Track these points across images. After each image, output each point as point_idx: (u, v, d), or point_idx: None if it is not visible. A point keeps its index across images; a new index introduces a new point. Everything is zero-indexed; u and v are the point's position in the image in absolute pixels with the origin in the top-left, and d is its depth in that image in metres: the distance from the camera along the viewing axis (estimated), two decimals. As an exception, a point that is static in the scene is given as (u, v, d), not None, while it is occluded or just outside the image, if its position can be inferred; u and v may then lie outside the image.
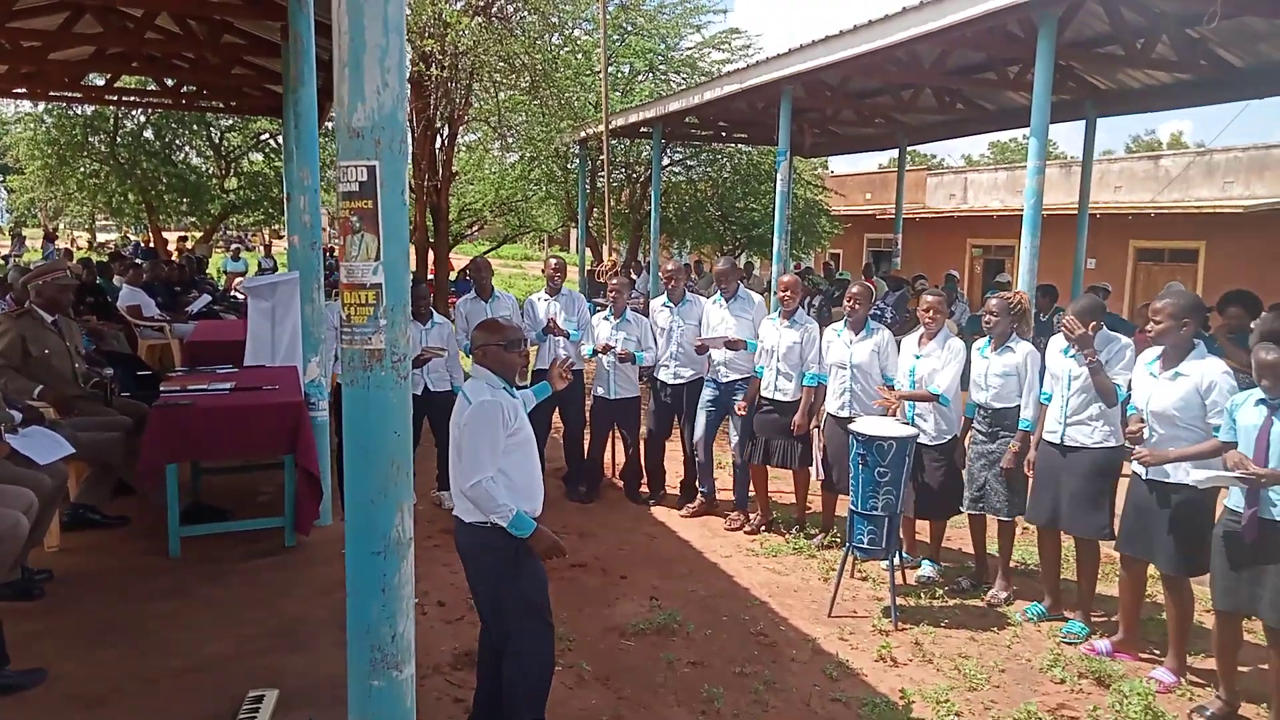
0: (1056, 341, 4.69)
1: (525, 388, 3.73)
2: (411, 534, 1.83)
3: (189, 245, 20.51)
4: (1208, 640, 4.23)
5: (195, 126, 19.19)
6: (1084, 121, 9.79)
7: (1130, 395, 4.27)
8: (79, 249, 28.64)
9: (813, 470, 5.76)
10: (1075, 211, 10.24)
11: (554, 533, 3.26)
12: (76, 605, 3.90)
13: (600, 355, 6.40)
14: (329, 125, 11.84)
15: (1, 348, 4.90)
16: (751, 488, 6.20)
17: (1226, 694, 3.82)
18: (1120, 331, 4.71)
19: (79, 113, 17.32)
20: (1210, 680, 4.00)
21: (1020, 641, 4.53)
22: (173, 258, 15.26)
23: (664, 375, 6.48)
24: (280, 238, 31.95)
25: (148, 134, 18.76)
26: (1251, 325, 5.94)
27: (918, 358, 5.18)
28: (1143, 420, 4.05)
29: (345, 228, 1.70)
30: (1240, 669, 3.95)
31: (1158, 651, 4.36)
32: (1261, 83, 8.32)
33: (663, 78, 16.18)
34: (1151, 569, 4.31)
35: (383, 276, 1.70)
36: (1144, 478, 4.10)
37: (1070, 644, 4.47)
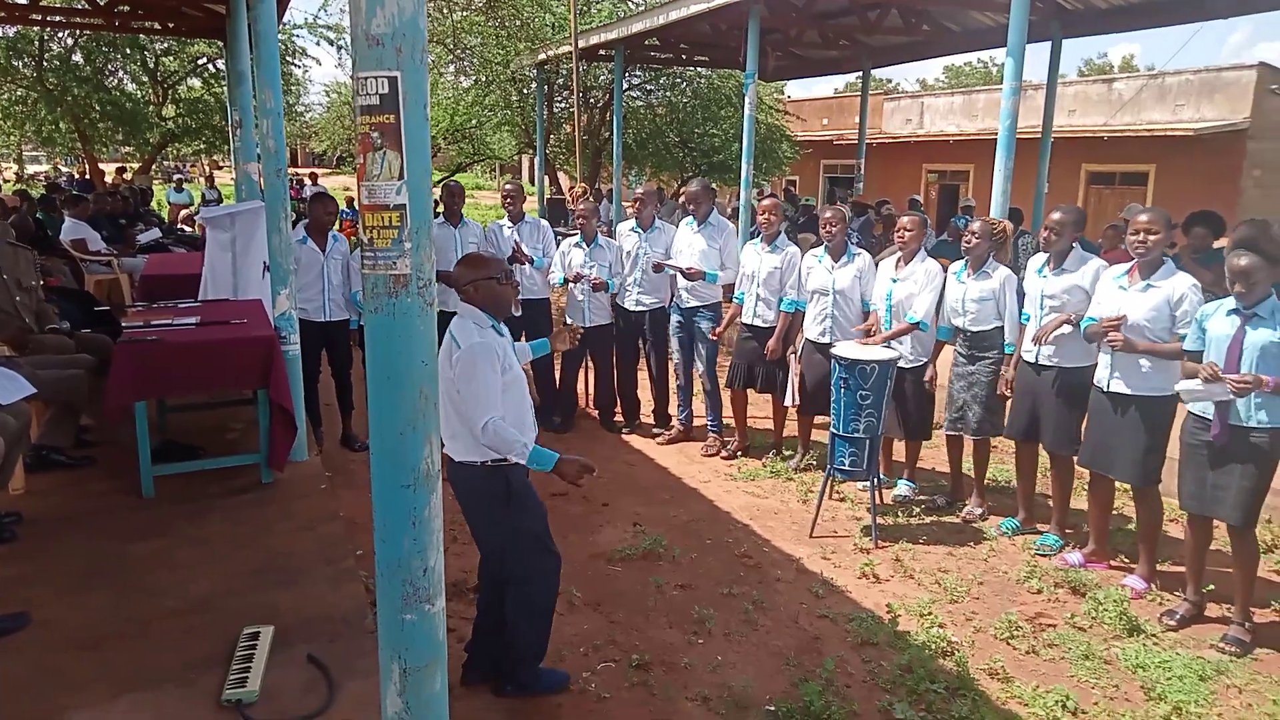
0: (1034, 262, 4.73)
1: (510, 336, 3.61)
2: (440, 466, 1.78)
3: (128, 176, 19.61)
4: (1173, 549, 4.40)
5: (129, 50, 18.12)
6: (1049, 43, 9.73)
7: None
8: (6, 181, 27.31)
9: (785, 398, 5.78)
10: (1033, 135, 10.25)
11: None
12: (53, 548, 3.79)
13: (572, 284, 6.31)
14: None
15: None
16: (730, 412, 6.24)
17: (1194, 596, 4.00)
18: (1089, 252, 4.76)
19: (1, 35, 16.29)
20: (1177, 585, 4.17)
21: (996, 555, 4.67)
22: (117, 189, 14.57)
23: (627, 303, 6.40)
24: (221, 168, 30.79)
25: (77, 58, 17.71)
26: (1214, 245, 6.07)
27: (895, 281, 5.18)
28: (1113, 319, 4.09)
29: (365, 144, 1.59)
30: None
31: (1127, 559, 4.53)
32: (1226, 1, 8.33)
33: (621, -1, 15.71)
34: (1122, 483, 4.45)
35: (407, 197, 1.61)
36: (1106, 390, 4.19)
37: (1044, 556, 4.62)
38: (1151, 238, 4.01)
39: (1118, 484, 4.53)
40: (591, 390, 6.97)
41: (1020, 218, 8.75)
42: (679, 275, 6.03)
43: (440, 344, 3.00)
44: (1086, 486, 4.61)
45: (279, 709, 2.69)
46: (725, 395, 6.30)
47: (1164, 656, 3.65)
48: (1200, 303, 3.93)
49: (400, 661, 1.77)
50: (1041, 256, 4.66)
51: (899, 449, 5.61)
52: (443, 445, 3.12)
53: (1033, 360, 4.61)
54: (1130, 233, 4.13)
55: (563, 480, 3.04)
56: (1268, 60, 15.66)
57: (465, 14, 12.76)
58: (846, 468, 4.83)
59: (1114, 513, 4.73)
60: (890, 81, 44.79)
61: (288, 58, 18.68)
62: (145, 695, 2.74)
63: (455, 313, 3.16)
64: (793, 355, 5.75)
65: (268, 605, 3.33)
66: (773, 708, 3.30)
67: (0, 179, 28.19)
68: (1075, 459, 4.54)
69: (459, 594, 4.17)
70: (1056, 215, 4.52)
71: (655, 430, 6.62)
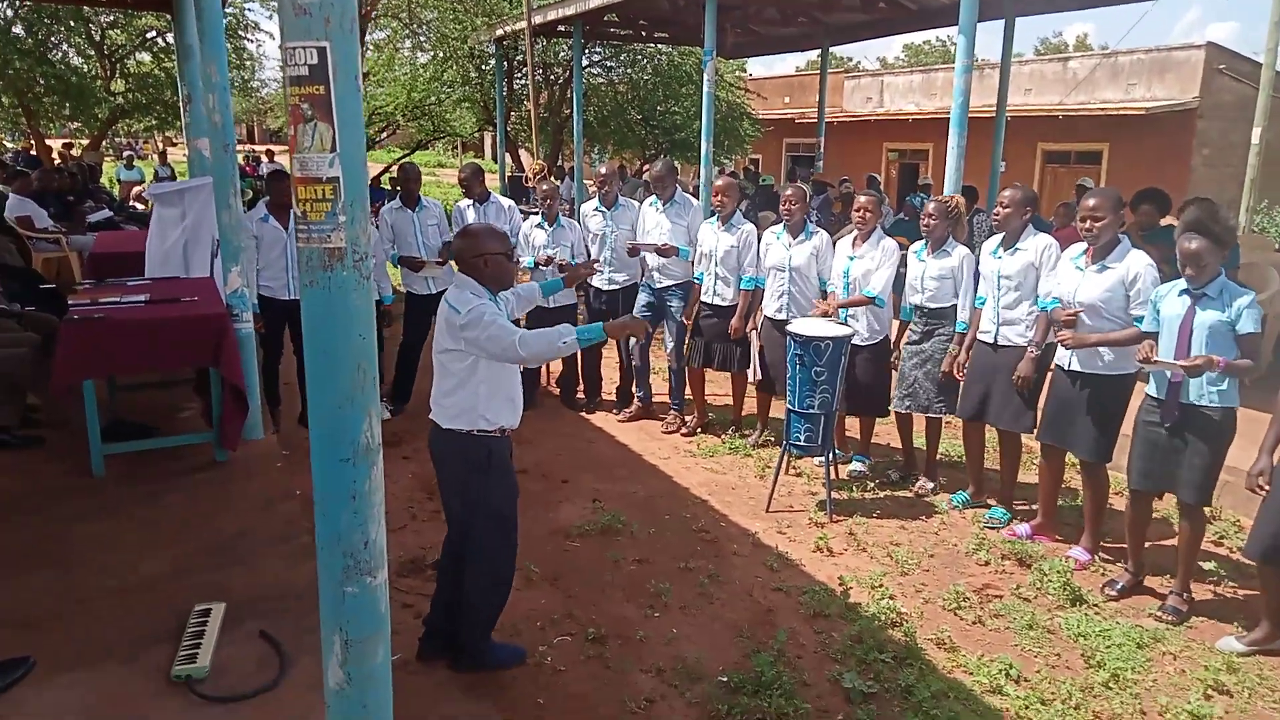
0: (989, 244, 4.79)
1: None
2: (380, 439, 1.77)
3: (75, 153, 19.08)
4: (1116, 521, 4.52)
5: (72, 23, 17.55)
6: (1002, 21, 9.80)
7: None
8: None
9: (750, 372, 5.83)
10: (988, 114, 10.35)
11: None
12: (-4, 529, 3.73)
13: (543, 267, 6.21)
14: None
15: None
16: (688, 390, 6.27)
17: (1134, 568, 4.11)
18: (1040, 230, 4.83)
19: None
20: (1119, 557, 4.29)
21: (947, 528, 4.76)
22: (64, 166, 14.13)
23: (597, 281, 6.39)
24: (175, 144, 30.03)
25: (18, 30, 17.11)
26: (1162, 222, 6.19)
27: (852, 259, 5.23)
28: (1071, 311, 4.17)
29: (296, 116, 1.57)
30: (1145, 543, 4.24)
31: (1073, 532, 4.64)
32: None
33: (580, -27, 15.51)
34: (1069, 457, 4.55)
35: (340, 169, 1.60)
36: (1066, 369, 4.28)
37: (993, 529, 4.72)
38: (1097, 224, 4.07)
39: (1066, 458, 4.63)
40: (554, 369, 6.96)
41: (975, 195, 8.85)
42: (652, 254, 6.02)
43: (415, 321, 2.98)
44: (1036, 461, 4.71)
45: (230, 684, 2.67)
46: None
47: (1104, 625, 3.76)
48: (1155, 281, 4.00)
49: (342, 634, 1.77)
50: (997, 238, 4.72)
51: (853, 425, 5.68)
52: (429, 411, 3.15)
53: (990, 340, 4.68)
54: (1079, 219, 4.19)
55: (616, 337, 3.27)
56: (1216, 40, 15.93)
57: (422, -13, 12.60)
58: (802, 443, 4.89)
59: (1062, 486, 4.83)
60: (851, 60, 44.83)
61: (240, 31, 18.26)
62: (86, 673, 2.70)
63: (429, 295, 3.16)
64: (753, 332, 5.78)
65: (220, 583, 3.30)
66: (725, 678, 3.35)
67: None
68: (1033, 435, 4.60)
69: (418, 570, 4.18)
70: (1006, 193, 4.60)
71: (616, 408, 6.63)
